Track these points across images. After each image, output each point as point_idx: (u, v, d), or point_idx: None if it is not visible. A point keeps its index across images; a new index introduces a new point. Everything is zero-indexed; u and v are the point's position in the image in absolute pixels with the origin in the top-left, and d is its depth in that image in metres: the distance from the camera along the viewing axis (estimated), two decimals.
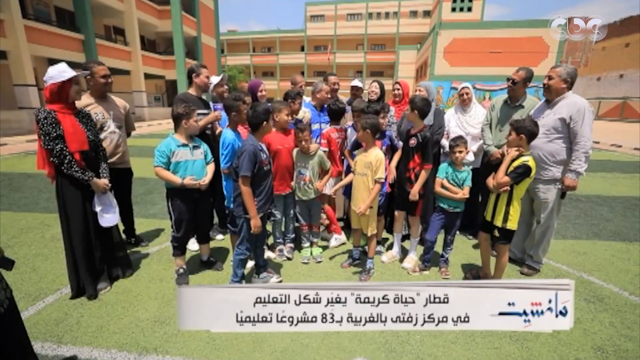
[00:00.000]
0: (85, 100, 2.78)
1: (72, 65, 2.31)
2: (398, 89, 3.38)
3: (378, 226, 3.14)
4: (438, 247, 3.06)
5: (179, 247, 2.67)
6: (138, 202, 4.85)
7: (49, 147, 2.12)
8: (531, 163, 2.32)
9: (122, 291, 2.55)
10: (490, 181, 2.53)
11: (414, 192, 2.77)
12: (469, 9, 32.91)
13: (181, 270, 2.70)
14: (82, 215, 2.32)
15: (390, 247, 3.35)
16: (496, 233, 2.51)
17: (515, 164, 2.36)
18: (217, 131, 3.19)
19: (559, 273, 2.99)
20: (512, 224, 2.45)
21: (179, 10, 21.93)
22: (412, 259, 3.04)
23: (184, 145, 2.55)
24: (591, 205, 5.08)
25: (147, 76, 21.62)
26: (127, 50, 19.62)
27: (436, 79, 23.73)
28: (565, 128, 2.60)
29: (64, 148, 2.15)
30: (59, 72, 2.12)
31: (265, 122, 2.40)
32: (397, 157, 3.00)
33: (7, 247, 3.27)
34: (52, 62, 15.70)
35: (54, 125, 2.11)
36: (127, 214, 3.30)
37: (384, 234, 3.49)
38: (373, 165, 2.60)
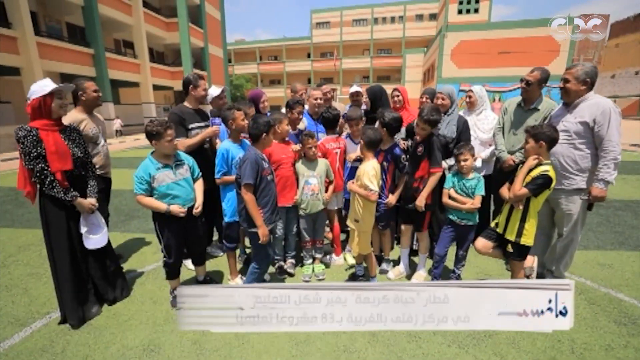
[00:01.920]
0: (78, 116, 2.74)
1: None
2: (398, 96, 3.21)
3: (384, 241, 2.95)
4: (449, 262, 2.85)
5: (172, 272, 2.52)
6: (139, 215, 4.78)
7: (30, 166, 2.01)
8: (551, 173, 2.10)
9: (113, 314, 2.42)
10: (506, 192, 2.32)
11: (421, 199, 2.57)
12: (476, 10, 32.49)
13: (176, 292, 2.56)
14: (67, 237, 2.20)
15: (398, 263, 3.15)
16: (510, 248, 2.28)
17: (534, 173, 2.13)
18: (217, 146, 3.09)
19: (583, 289, 2.73)
20: (527, 239, 2.22)
21: (186, 22, 22.34)
22: (421, 276, 2.83)
23: (165, 166, 2.33)
24: (613, 210, 4.76)
25: (156, 87, 22.01)
26: (136, 62, 20.03)
27: (444, 82, 23.38)
28: (589, 132, 2.36)
29: (45, 168, 2.04)
30: (41, 87, 2.03)
31: (265, 135, 2.30)
32: (400, 186, 2.75)
33: (3, 266, 3.21)
34: (64, 76, 16.09)
35: (35, 143, 2.00)
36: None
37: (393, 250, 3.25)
38: (360, 177, 2.45)
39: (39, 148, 2.01)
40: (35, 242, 3.83)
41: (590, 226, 4.14)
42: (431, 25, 38.57)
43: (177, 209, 2.30)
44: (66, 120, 2.50)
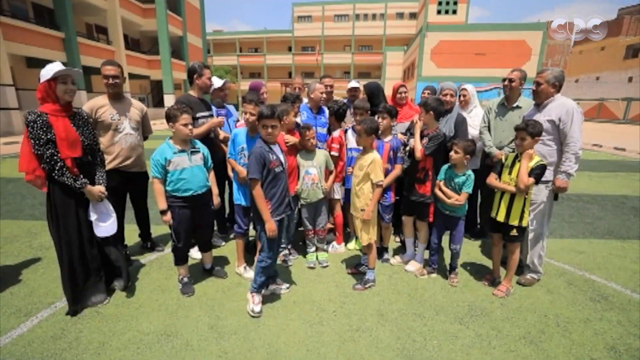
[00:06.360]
0: (100, 101, 2.71)
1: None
2: (405, 92, 3.36)
3: (385, 233, 3.10)
4: (447, 250, 3.05)
5: (181, 257, 2.57)
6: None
7: (39, 152, 1.97)
8: (544, 162, 2.42)
9: (122, 303, 2.41)
10: (494, 181, 2.62)
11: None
12: (454, 12, 33.55)
13: (185, 280, 2.59)
14: (75, 224, 2.18)
15: (396, 253, 3.31)
16: (514, 232, 2.54)
17: (531, 164, 2.40)
18: (221, 137, 3.10)
19: (562, 272, 3.03)
20: (525, 222, 2.53)
21: (164, 8, 21.44)
22: (416, 264, 2.98)
23: (181, 151, 2.40)
24: (583, 204, 5.21)
25: (132, 76, 21.01)
26: (110, 49, 19.03)
27: (424, 80, 24.03)
28: (555, 130, 2.62)
29: (55, 154, 2.00)
30: (47, 71, 2.00)
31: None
32: (394, 174, 2.81)
33: None
34: (31, 60, 15.03)
35: (44, 129, 1.97)
36: (142, 218, 3.25)
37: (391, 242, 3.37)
38: (366, 167, 2.53)
39: (49, 134, 1.98)
40: (21, 233, 3.67)
41: (564, 217, 4.53)
42: (411, 24, 39.34)
43: (168, 218, 2.40)
44: (86, 106, 2.60)
